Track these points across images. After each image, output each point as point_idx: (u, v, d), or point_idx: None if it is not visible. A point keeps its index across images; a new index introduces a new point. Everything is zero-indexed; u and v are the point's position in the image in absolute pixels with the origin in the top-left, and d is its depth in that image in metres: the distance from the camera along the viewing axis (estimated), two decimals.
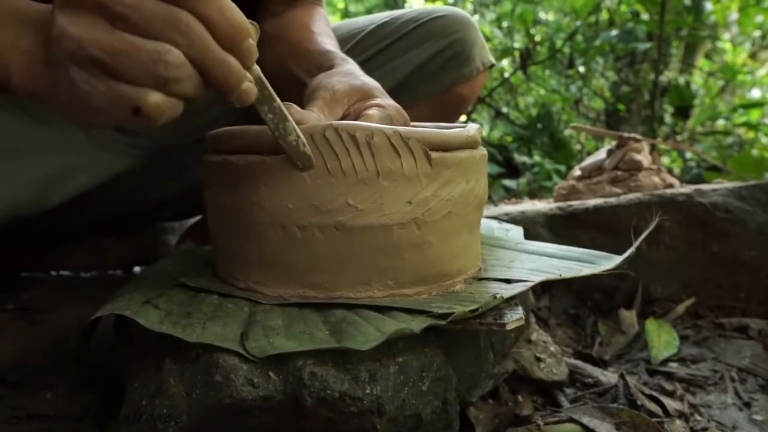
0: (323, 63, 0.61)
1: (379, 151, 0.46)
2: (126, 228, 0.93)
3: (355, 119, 0.52)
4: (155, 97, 0.35)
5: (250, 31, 0.37)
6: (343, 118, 0.54)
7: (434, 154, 0.47)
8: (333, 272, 0.48)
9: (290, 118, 0.44)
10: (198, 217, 0.94)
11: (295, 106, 0.48)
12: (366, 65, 0.62)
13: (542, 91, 3.17)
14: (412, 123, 0.59)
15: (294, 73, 0.64)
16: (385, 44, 0.82)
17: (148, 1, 0.34)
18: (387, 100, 0.54)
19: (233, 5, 0.36)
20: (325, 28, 0.72)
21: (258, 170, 0.47)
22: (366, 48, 0.81)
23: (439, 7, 0.84)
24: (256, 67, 0.40)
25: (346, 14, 3.42)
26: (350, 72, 0.58)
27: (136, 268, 0.97)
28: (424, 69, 0.81)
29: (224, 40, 0.36)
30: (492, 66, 0.87)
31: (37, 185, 0.62)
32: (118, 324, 0.50)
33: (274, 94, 0.42)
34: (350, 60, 0.63)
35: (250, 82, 0.38)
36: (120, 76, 0.34)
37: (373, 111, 0.52)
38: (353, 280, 0.48)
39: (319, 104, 0.52)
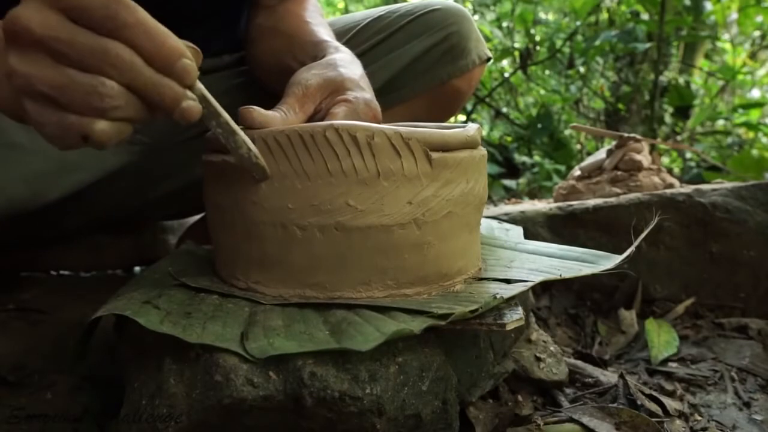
0: (317, 54, 0.62)
1: (379, 152, 0.46)
2: (126, 226, 0.93)
3: (325, 114, 0.53)
4: (100, 125, 0.37)
5: (182, 51, 0.38)
6: (315, 113, 0.54)
7: (434, 155, 0.47)
8: (333, 272, 0.48)
9: (239, 132, 0.45)
10: (198, 217, 0.94)
11: (257, 108, 0.49)
12: (362, 59, 0.63)
13: (542, 91, 3.17)
14: (409, 122, 0.59)
15: (291, 66, 0.64)
16: (381, 37, 0.82)
17: (80, 35, 0.35)
18: (357, 93, 0.54)
19: (163, 30, 0.37)
20: (318, 18, 0.73)
21: None
22: (362, 42, 0.81)
23: (434, 1, 0.84)
24: (200, 86, 0.40)
25: (346, 13, 3.42)
26: (330, 63, 0.58)
27: (136, 268, 0.97)
28: (420, 62, 0.82)
29: (156, 63, 0.37)
30: (488, 59, 0.87)
31: (36, 180, 0.63)
32: (118, 324, 0.50)
33: (221, 110, 0.43)
34: (343, 48, 0.63)
35: (192, 100, 0.39)
36: (66, 107, 0.37)
37: (338, 109, 0.53)
38: (353, 281, 0.48)
39: (290, 101, 0.52)
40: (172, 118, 0.40)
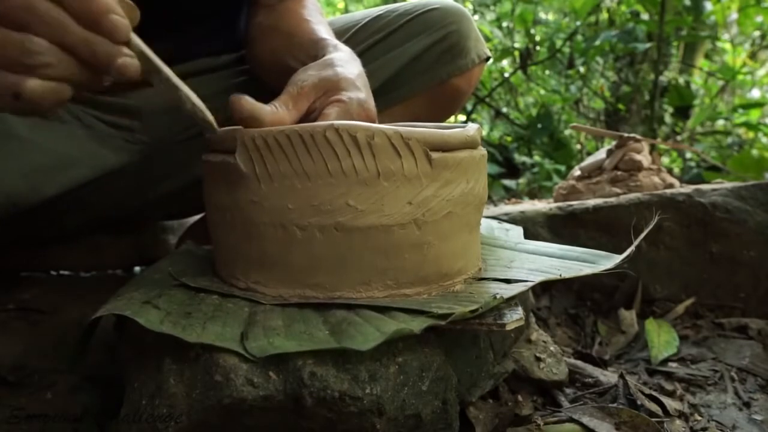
0: (316, 53, 0.62)
1: (379, 152, 0.46)
2: (126, 226, 0.93)
3: (319, 114, 0.53)
4: (32, 83, 0.37)
5: (109, 7, 0.38)
6: (309, 112, 0.54)
7: (434, 155, 0.47)
8: (333, 272, 0.48)
9: (183, 87, 0.44)
10: (198, 217, 0.94)
11: (247, 97, 0.48)
12: (361, 58, 0.63)
13: (542, 91, 3.17)
14: (409, 122, 0.59)
15: (290, 64, 0.64)
16: (380, 37, 0.82)
17: None
18: (352, 93, 0.54)
19: None
20: (318, 17, 0.73)
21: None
22: (361, 41, 0.81)
23: (433, 0, 0.84)
24: (137, 42, 0.40)
25: (346, 13, 3.42)
26: (327, 62, 0.57)
27: (136, 268, 0.97)
28: (419, 61, 0.82)
29: (83, 20, 0.38)
30: (488, 59, 0.87)
31: (34, 174, 0.63)
32: (118, 324, 0.50)
33: (161, 65, 0.43)
34: (342, 47, 0.63)
35: (128, 56, 0.39)
36: (1, 65, 0.37)
37: (330, 110, 0.52)
38: (353, 281, 0.48)
39: (284, 98, 0.52)
40: (111, 75, 0.39)
